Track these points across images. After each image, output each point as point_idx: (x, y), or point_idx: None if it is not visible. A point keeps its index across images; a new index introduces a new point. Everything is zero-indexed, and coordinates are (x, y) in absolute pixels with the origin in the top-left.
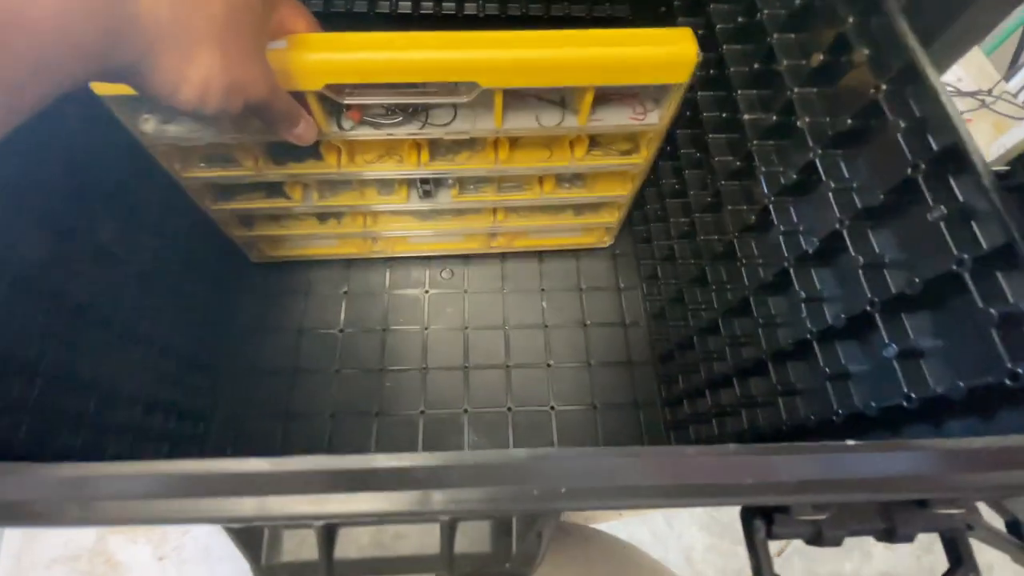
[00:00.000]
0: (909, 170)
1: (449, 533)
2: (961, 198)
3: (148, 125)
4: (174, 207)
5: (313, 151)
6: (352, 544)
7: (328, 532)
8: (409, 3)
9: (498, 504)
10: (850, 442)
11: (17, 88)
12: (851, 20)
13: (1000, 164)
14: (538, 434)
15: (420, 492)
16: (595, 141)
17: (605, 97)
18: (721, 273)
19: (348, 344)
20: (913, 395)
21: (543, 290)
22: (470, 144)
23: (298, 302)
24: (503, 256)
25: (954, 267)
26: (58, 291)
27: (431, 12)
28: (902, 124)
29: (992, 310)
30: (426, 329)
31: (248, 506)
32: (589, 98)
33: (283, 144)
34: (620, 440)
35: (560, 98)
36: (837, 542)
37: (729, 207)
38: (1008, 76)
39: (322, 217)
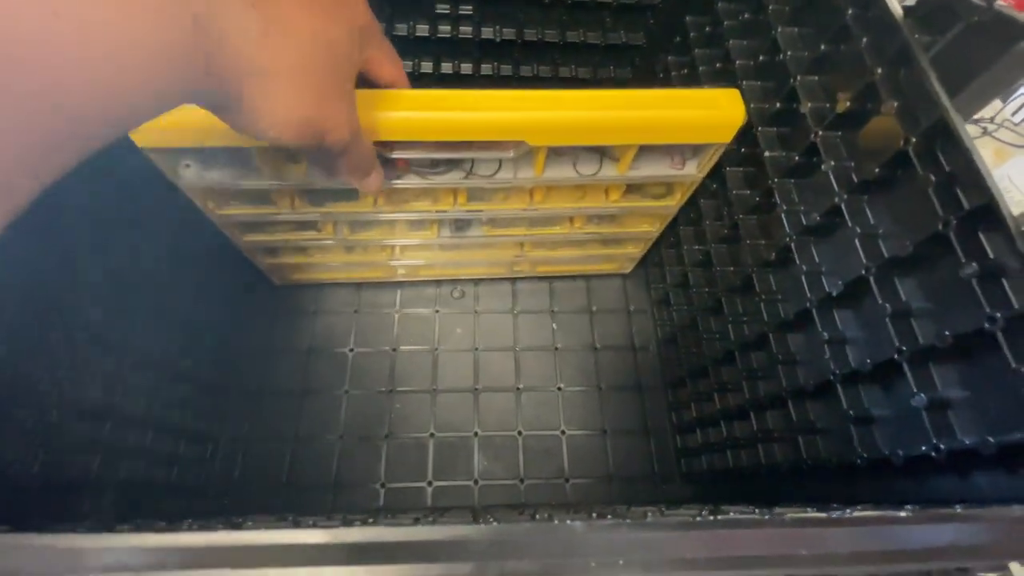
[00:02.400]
0: (940, 226)
1: None
2: (992, 256)
3: (188, 172)
4: (191, 234)
5: (350, 193)
6: None
7: None
8: (430, 64)
9: None
10: (903, 512)
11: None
12: (880, 72)
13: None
14: (549, 460)
15: (478, 564)
16: (631, 187)
17: (645, 148)
18: (737, 305)
19: (358, 365)
20: (941, 446)
21: (553, 311)
22: (506, 188)
23: (308, 322)
24: (512, 277)
25: (986, 325)
26: (71, 318)
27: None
28: (932, 179)
29: None
30: (436, 350)
31: None
32: (632, 153)
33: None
34: (631, 467)
35: (601, 148)
36: None
37: (747, 241)
38: (1005, 100)
39: (349, 248)
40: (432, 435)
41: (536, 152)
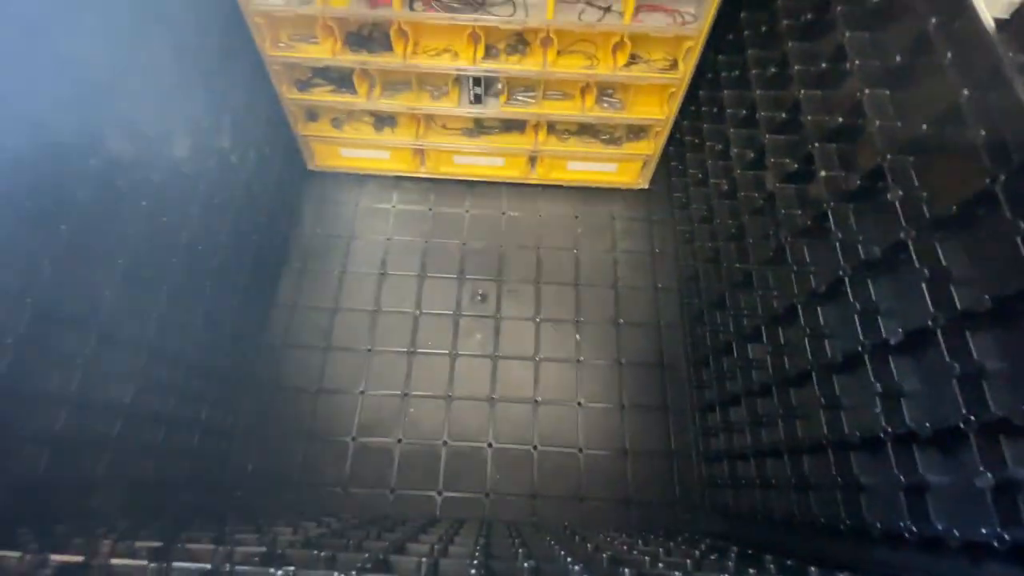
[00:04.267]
0: None
1: None
2: None
3: None
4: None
5: (384, 43)
6: None
7: None
8: None
9: None
10: None
11: None
12: (965, 93)
13: None
14: (563, 478)
15: None
16: (636, 56)
17: (648, 7)
18: (779, 336)
19: (375, 365)
20: (1006, 536)
21: (579, 321)
22: (521, 48)
23: (325, 319)
24: (538, 280)
25: None
26: (83, 317)
27: None
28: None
29: None
30: (454, 355)
31: None
32: (632, 2)
33: (358, 34)
34: (651, 492)
35: (607, 5)
36: None
37: (796, 267)
38: None
39: (378, 125)
40: (445, 443)
41: None
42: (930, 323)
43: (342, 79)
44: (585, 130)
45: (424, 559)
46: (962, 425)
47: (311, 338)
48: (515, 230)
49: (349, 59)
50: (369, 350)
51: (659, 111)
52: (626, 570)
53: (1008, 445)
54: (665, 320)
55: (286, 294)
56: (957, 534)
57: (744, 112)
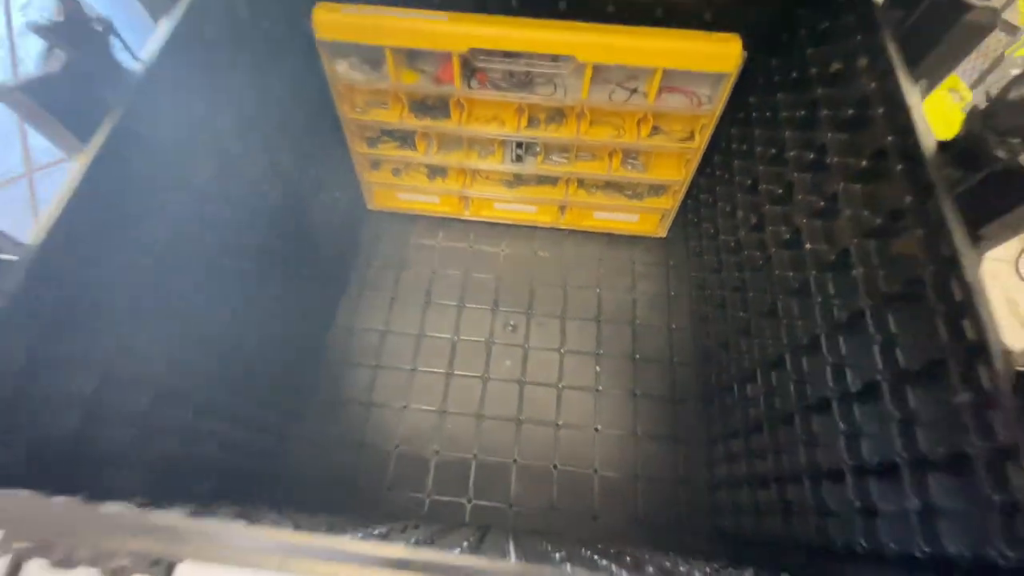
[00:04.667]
0: (943, 353)
1: None
2: (985, 388)
3: (341, 66)
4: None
5: (444, 110)
6: None
7: None
8: None
9: None
10: None
11: None
12: (908, 200)
13: None
14: (580, 495)
15: None
16: (657, 128)
17: (669, 89)
18: (772, 379)
19: (417, 383)
20: (927, 549)
21: (599, 354)
22: (559, 118)
23: (376, 340)
24: (563, 315)
25: (968, 450)
26: (172, 313)
27: None
28: (942, 308)
29: None
30: (486, 378)
31: None
32: (657, 80)
33: (423, 101)
34: (660, 515)
35: (634, 88)
36: None
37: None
38: None
39: (432, 174)
40: (475, 456)
41: (584, 72)
42: (878, 377)
43: (405, 137)
44: (611, 185)
45: (466, 541)
46: (897, 460)
47: (363, 357)
48: (545, 269)
49: (413, 123)
50: (413, 369)
51: (677, 173)
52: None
53: (933, 477)
54: (679, 358)
55: (344, 317)
56: (968, 555)
57: (750, 182)
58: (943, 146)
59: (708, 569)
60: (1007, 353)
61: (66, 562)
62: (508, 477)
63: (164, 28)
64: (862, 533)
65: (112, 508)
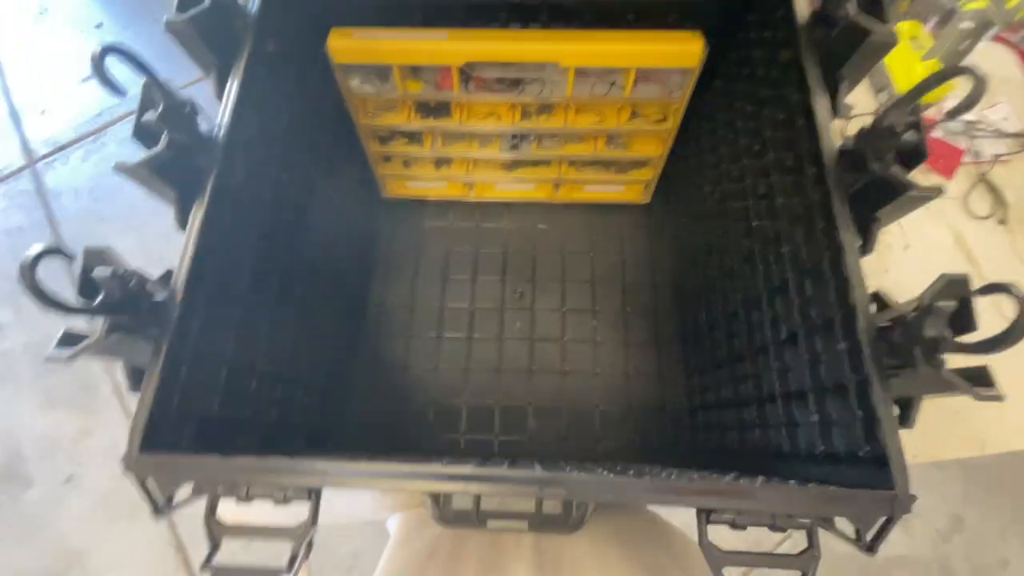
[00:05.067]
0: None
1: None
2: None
3: (354, 82)
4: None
5: (446, 111)
6: (489, 502)
7: (478, 500)
8: None
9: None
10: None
11: None
12: (817, 198)
13: None
14: (585, 427)
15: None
16: (635, 112)
17: (643, 79)
18: (744, 324)
19: (444, 348)
20: (823, 447)
21: (595, 310)
22: (548, 110)
23: (405, 314)
24: (563, 279)
25: (844, 382)
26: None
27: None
28: (833, 282)
29: None
30: (501, 338)
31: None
32: (631, 76)
33: (426, 103)
34: (651, 435)
35: (613, 81)
36: (743, 527)
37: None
38: None
39: (438, 164)
40: (498, 403)
41: (567, 74)
42: (797, 330)
43: (412, 135)
44: (598, 163)
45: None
46: (806, 388)
47: (397, 328)
48: (544, 240)
49: (419, 123)
50: (438, 337)
51: (655, 150)
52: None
53: (828, 399)
54: (662, 308)
55: (376, 294)
56: (805, 448)
57: (713, 160)
58: (843, 154)
59: (695, 475)
60: (870, 315)
61: (246, 498)
62: (526, 417)
63: (230, 91)
64: (787, 440)
65: (272, 461)
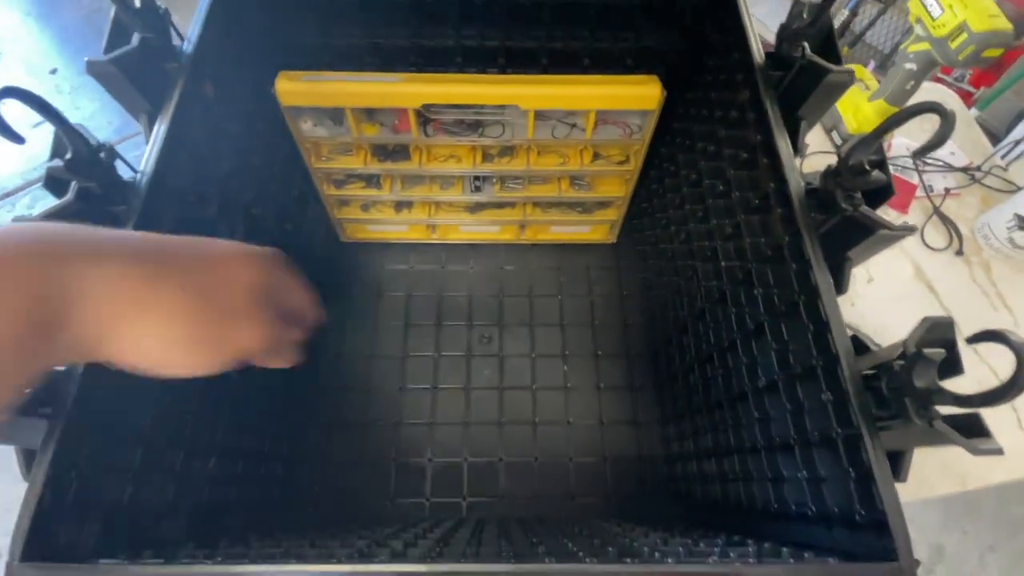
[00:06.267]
0: (813, 361)
1: None
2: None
3: (306, 125)
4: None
5: (404, 154)
6: None
7: None
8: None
9: None
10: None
11: None
12: (786, 239)
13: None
14: (558, 481)
15: None
16: (598, 154)
17: (604, 121)
18: (708, 373)
19: (407, 400)
20: (814, 508)
21: (565, 355)
22: (510, 152)
23: (363, 365)
24: (531, 322)
25: (832, 435)
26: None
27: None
28: (811, 327)
29: None
30: (468, 388)
31: None
32: (592, 119)
33: (383, 146)
34: (627, 487)
35: (574, 123)
36: None
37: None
38: (995, 145)
39: (398, 207)
40: (466, 459)
41: (528, 117)
42: (776, 377)
43: (370, 177)
44: (562, 203)
45: (466, 548)
46: (791, 440)
47: (355, 381)
48: (511, 282)
49: (377, 167)
50: (401, 388)
51: (619, 190)
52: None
53: (816, 452)
54: (634, 350)
55: (334, 343)
56: (794, 507)
57: (678, 200)
58: (809, 193)
59: (689, 541)
60: (854, 361)
61: None
62: (496, 474)
63: (157, 134)
64: (775, 496)
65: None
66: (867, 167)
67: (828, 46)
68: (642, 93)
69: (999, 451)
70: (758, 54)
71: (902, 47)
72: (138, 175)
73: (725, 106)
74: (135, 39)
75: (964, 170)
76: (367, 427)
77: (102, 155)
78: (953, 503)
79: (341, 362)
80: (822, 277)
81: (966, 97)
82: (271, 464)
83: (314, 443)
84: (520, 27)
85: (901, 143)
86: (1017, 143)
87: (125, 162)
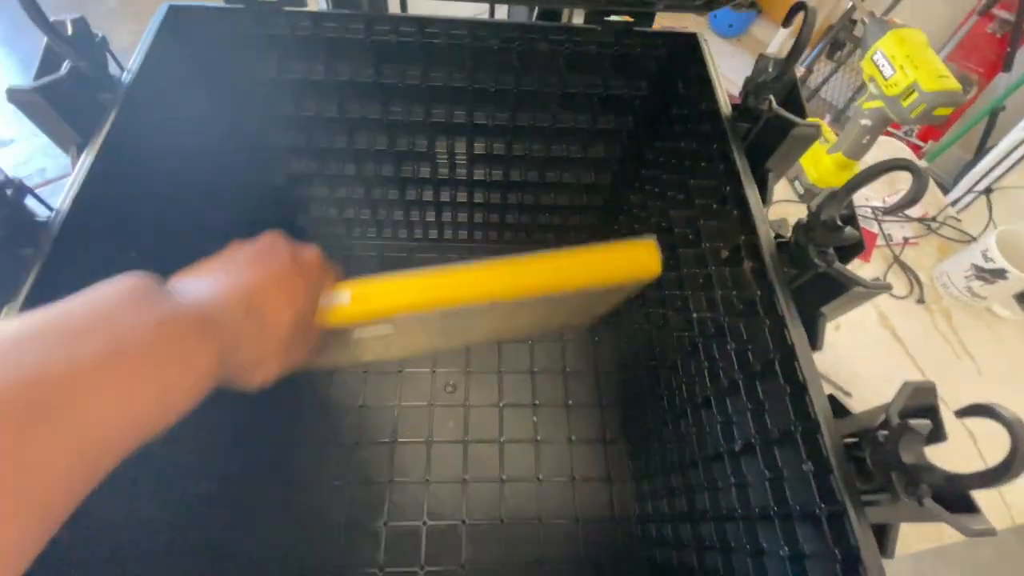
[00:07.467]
0: (791, 427)
1: None
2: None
3: None
4: None
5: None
6: None
7: None
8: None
9: None
10: None
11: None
12: (759, 294)
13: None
14: (527, 545)
15: None
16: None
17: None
18: (681, 430)
19: (364, 456)
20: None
21: (536, 404)
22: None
23: (314, 416)
24: (499, 369)
25: (816, 511)
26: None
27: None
28: (788, 389)
29: None
30: (430, 442)
31: None
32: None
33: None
34: (599, 550)
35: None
36: None
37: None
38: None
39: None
40: (425, 523)
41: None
42: (753, 440)
43: None
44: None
45: None
46: (771, 512)
47: (306, 435)
48: None
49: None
50: (356, 443)
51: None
52: None
53: (798, 526)
54: (607, 400)
55: (281, 395)
56: None
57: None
58: (780, 247)
59: None
60: (834, 427)
61: None
62: (459, 539)
63: (80, 169)
64: (754, 571)
65: None
66: (839, 222)
67: (793, 99)
68: (639, 268)
69: (992, 532)
70: (725, 106)
71: (856, 103)
72: (52, 215)
73: (693, 156)
74: (64, 67)
75: (921, 220)
76: (316, 486)
77: (8, 192)
78: (924, 555)
79: (290, 415)
80: (797, 335)
81: (915, 149)
82: (204, 531)
83: (259, 505)
84: (491, 71)
85: (860, 193)
86: (965, 194)
87: (40, 200)
